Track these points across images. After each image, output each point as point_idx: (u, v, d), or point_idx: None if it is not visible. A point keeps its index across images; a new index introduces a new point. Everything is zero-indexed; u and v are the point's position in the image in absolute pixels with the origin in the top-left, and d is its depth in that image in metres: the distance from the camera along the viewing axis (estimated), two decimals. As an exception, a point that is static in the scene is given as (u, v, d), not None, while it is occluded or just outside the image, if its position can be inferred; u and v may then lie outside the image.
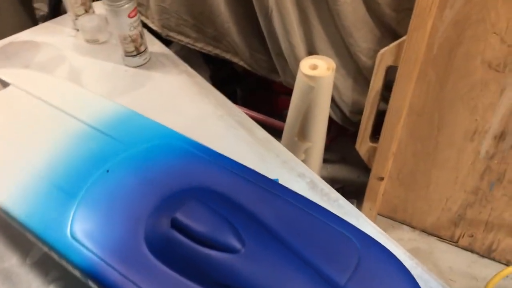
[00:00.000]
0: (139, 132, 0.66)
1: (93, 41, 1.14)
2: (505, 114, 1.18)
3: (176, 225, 0.51)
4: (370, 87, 1.23)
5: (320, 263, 0.50)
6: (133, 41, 1.01)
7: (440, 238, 1.45)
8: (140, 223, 0.55)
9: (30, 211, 0.58)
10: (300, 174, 0.81)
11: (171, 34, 1.47)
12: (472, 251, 1.41)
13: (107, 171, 0.61)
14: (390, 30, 1.21)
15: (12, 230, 0.70)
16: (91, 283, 0.53)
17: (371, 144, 1.34)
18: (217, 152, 0.63)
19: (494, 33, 1.10)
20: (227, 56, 1.46)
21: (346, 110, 1.35)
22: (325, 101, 1.22)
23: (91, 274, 0.52)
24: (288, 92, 1.59)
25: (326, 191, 0.78)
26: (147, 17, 1.52)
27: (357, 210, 0.75)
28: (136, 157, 0.62)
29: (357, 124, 1.37)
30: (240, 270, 0.49)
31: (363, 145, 1.36)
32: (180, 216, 0.51)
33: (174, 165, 0.61)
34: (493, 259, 1.37)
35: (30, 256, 0.70)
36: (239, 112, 0.94)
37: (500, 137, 1.21)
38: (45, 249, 0.58)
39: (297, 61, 1.27)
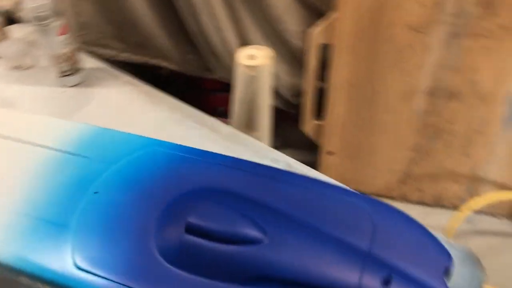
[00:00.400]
0: (115, 147, 0.62)
1: (19, 67, 1.06)
2: (433, 71, 1.25)
3: (192, 229, 0.49)
4: (307, 66, 1.25)
5: (340, 234, 0.51)
6: (68, 59, 0.95)
7: (392, 198, 1.52)
8: (148, 237, 0.52)
9: (22, 253, 0.52)
10: (274, 159, 0.81)
11: (94, 49, 1.40)
12: (423, 204, 1.49)
13: (95, 192, 0.57)
14: (315, 10, 1.24)
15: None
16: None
17: (316, 122, 1.37)
18: (203, 150, 0.61)
19: (412, -2, 1.17)
20: (156, 61, 1.42)
21: (287, 95, 1.37)
22: (267, 89, 1.23)
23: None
24: (220, 89, 1.59)
25: (304, 171, 0.79)
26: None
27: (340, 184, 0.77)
28: (122, 172, 0.59)
29: (298, 107, 1.40)
30: (267, 258, 0.48)
31: (308, 124, 1.39)
32: (194, 220, 0.49)
33: (165, 172, 0.58)
34: (444, 207, 1.46)
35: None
36: (196, 112, 0.92)
37: (432, 93, 1.29)
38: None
39: (231, 56, 1.26)
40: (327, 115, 1.35)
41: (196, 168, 0.58)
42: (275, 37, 1.26)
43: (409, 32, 1.21)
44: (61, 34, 0.92)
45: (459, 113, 1.29)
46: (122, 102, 0.94)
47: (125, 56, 1.43)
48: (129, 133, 0.65)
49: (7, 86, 1.01)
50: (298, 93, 1.37)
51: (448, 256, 0.50)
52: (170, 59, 1.39)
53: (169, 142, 0.62)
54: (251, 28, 1.24)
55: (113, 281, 0.49)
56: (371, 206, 0.54)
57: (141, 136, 0.64)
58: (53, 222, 0.55)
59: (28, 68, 1.06)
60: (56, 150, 0.63)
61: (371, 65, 1.27)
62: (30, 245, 0.53)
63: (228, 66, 1.32)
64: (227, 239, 0.49)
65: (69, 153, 0.62)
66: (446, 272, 0.50)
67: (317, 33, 1.20)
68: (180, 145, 0.62)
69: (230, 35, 1.24)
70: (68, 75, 0.97)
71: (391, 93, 1.30)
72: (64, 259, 0.51)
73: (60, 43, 0.92)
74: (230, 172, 0.57)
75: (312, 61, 1.23)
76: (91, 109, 0.93)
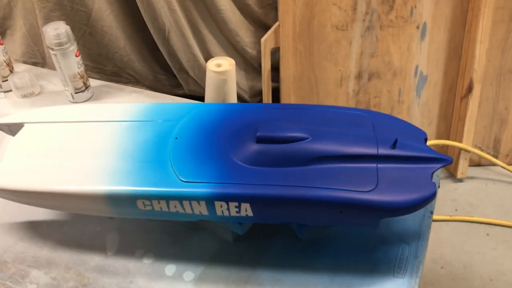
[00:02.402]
0: (173, 111, 0.79)
1: (30, 95, 1.18)
2: (357, 59, 1.53)
3: (261, 139, 0.68)
4: (262, 69, 1.48)
5: (354, 129, 0.72)
6: (82, 77, 1.10)
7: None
8: (227, 153, 0.68)
9: (139, 182, 0.67)
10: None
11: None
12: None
13: (176, 138, 0.74)
14: (261, 23, 1.48)
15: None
16: (217, 207, 0.65)
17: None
18: (243, 103, 0.80)
19: (333, 4, 1.45)
20: (130, 86, 1.57)
21: (246, 96, 1.59)
22: (235, 89, 1.44)
23: (217, 196, 0.65)
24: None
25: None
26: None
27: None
28: (189, 123, 0.76)
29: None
30: (314, 146, 0.68)
31: (267, 118, 1.61)
32: (262, 133, 0.68)
33: (222, 116, 0.76)
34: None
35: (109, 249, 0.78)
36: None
37: (359, 76, 1.57)
38: (157, 207, 0.68)
39: (200, 69, 1.46)
40: (284, 105, 1.58)
41: (244, 112, 0.77)
42: (232, 48, 1.49)
43: (335, 31, 1.49)
44: (77, 55, 1.07)
45: (381, 88, 1.59)
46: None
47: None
48: (177, 103, 0.82)
49: (24, 110, 1.13)
50: (255, 93, 1.59)
51: (424, 132, 0.74)
52: (143, 81, 1.55)
53: (214, 103, 0.81)
54: (212, 43, 1.46)
55: (213, 183, 0.66)
56: (367, 113, 0.76)
57: (188, 103, 0.82)
58: (152, 161, 0.70)
59: (37, 94, 1.18)
60: (130, 121, 0.78)
61: (311, 61, 1.52)
62: (142, 177, 0.68)
63: (197, 79, 1.52)
64: (285, 140, 0.68)
65: (141, 120, 0.78)
66: (425, 141, 0.73)
67: (266, 40, 1.44)
68: (225, 103, 0.81)
69: (197, 51, 1.44)
70: (82, 91, 1.11)
71: (329, 81, 1.56)
72: (171, 180, 0.67)
73: (77, 63, 1.07)
74: (267, 109, 0.78)
75: (266, 63, 1.46)
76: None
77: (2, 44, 1.15)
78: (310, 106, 0.79)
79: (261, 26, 1.47)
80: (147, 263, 0.75)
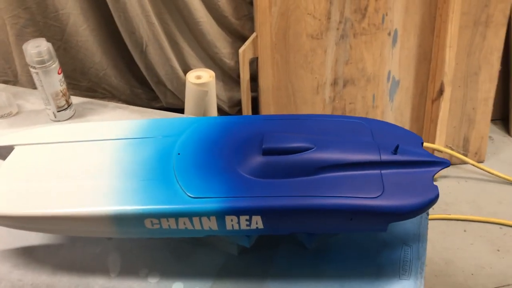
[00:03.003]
0: (173, 126, 0.78)
1: (8, 115, 1.13)
2: (332, 66, 1.56)
3: (268, 151, 0.68)
4: (241, 79, 1.48)
5: (355, 136, 0.74)
6: (64, 95, 1.07)
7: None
8: (234, 166, 0.68)
9: (146, 200, 0.66)
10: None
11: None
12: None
13: (178, 154, 0.73)
14: (238, 34, 1.49)
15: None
16: (227, 222, 0.64)
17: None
18: (241, 116, 0.80)
19: (308, 14, 1.47)
20: (106, 100, 1.54)
21: (226, 107, 1.58)
22: (215, 101, 1.44)
23: (228, 211, 0.64)
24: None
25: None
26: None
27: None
28: (190, 138, 0.75)
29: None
30: (318, 156, 0.68)
31: (246, 128, 1.61)
32: (268, 145, 0.68)
33: (223, 130, 0.76)
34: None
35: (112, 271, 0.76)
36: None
37: (334, 83, 1.60)
38: (165, 225, 0.67)
39: (179, 81, 1.45)
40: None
41: (244, 124, 0.77)
42: (211, 60, 1.48)
43: (311, 40, 1.51)
44: (59, 73, 1.04)
45: (356, 94, 1.62)
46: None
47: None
48: (175, 118, 0.82)
49: (4, 131, 1.09)
50: (234, 104, 1.59)
51: (420, 137, 0.76)
52: (119, 96, 1.53)
53: (213, 117, 0.81)
54: (190, 55, 1.45)
55: (223, 197, 0.66)
56: (364, 121, 0.78)
57: (186, 117, 0.81)
58: (157, 178, 0.69)
59: (15, 114, 1.14)
60: (128, 138, 0.77)
61: (287, 70, 1.54)
62: (149, 195, 0.67)
63: (176, 91, 1.50)
64: (291, 151, 0.68)
65: (139, 138, 0.77)
66: (422, 145, 0.75)
67: (245, 50, 1.44)
68: (223, 116, 0.80)
69: (175, 63, 1.43)
70: (64, 109, 1.08)
71: (306, 89, 1.58)
72: (179, 196, 0.66)
73: (59, 81, 1.04)
74: (267, 121, 0.78)
75: (245, 73, 1.46)
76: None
77: None
78: (309, 116, 0.80)
79: (238, 37, 1.48)
80: (152, 283, 0.73)
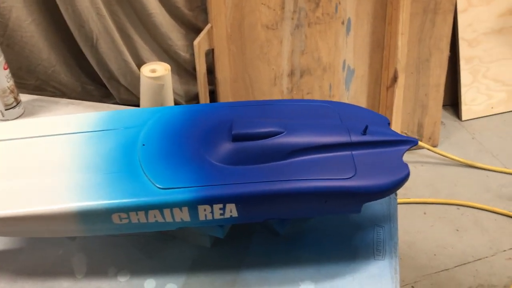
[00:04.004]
0: (134, 117, 0.75)
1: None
2: (289, 57, 1.56)
3: (238, 137, 0.66)
4: (197, 72, 1.45)
5: (323, 119, 0.73)
6: (12, 91, 1.01)
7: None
8: (203, 154, 0.66)
9: (112, 194, 0.62)
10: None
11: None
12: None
13: (143, 145, 0.70)
14: (192, 25, 1.46)
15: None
16: (200, 212, 0.62)
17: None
18: (208, 103, 0.78)
19: (262, 4, 1.46)
20: (56, 98, 1.47)
21: (182, 101, 1.55)
22: (171, 95, 1.40)
23: (201, 200, 0.62)
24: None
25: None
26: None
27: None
28: (154, 128, 0.72)
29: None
30: (290, 140, 0.67)
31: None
32: (237, 131, 0.67)
33: (188, 118, 0.73)
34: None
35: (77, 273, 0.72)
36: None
37: (291, 74, 1.60)
38: (135, 219, 0.64)
39: (133, 75, 1.40)
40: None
41: (209, 112, 0.75)
42: (165, 53, 1.45)
43: (266, 30, 1.50)
44: (5, 68, 0.98)
45: (313, 84, 1.63)
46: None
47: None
48: (136, 108, 0.78)
49: None
50: (191, 98, 1.56)
51: (386, 118, 0.77)
52: (70, 93, 1.46)
53: (176, 106, 0.78)
54: (144, 48, 1.41)
55: (194, 187, 0.63)
56: (331, 104, 0.78)
57: (148, 108, 0.78)
58: (122, 171, 0.66)
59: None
60: (89, 131, 0.73)
61: (244, 61, 1.53)
62: (115, 189, 0.64)
63: (130, 86, 1.46)
64: (261, 136, 0.67)
65: (100, 130, 0.73)
66: (389, 125, 0.76)
67: (200, 42, 1.42)
68: (187, 105, 0.78)
69: (128, 57, 1.38)
70: (13, 107, 1.02)
71: (264, 81, 1.58)
72: (148, 188, 0.64)
73: (5, 77, 0.98)
74: (233, 108, 0.76)
75: (201, 65, 1.44)
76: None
77: None
78: (275, 101, 0.79)
79: (191, 29, 1.45)
80: (123, 281, 0.70)
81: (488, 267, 1.35)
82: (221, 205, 0.63)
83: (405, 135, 1.75)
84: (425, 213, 1.54)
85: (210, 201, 0.63)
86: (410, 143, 0.72)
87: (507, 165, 1.73)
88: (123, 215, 0.63)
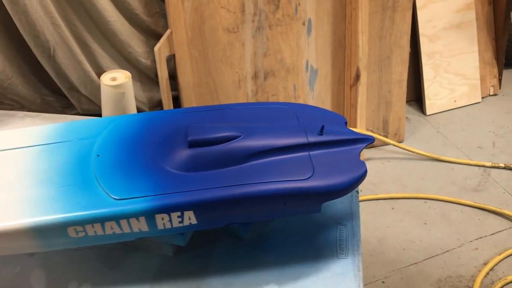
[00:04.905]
0: (89, 127, 0.73)
1: None
2: (252, 59, 1.56)
3: (194, 143, 0.66)
4: (159, 78, 1.44)
5: (280, 121, 0.74)
6: (-36, 107, 0.98)
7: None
8: (157, 162, 0.65)
9: (67, 207, 0.61)
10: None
11: None
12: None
13: (98, 155, 0.69)
14: (151, 31, 1.45)
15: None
16: (158, 221, 0.62)
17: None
18: (161, 111, 0.77)
19: (222, 7, 1.46)
20: (20, 111, 1.44)
21: (146, 108, 1.53)
22: (133, 103, 1.39)
23: (157, 209, 0.61)
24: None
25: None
26: None
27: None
28: (109, 138, 0.71)
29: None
30: (247, 143, 0.67)
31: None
32: (193, 137, 0.66)
33: (143, 126, 0.72)
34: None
35: None
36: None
37: (255, 76, 1.60)
38: (91, 231, 0.62)
39: (93, 85, 1.38)
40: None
41: (164, 119, 0.75)
42: (125, 60, 1.43)
43: (227, 33, 1.50)
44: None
45: (277, 86, 1.64)
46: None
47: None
48: (90, 118, 0.77)
49: None
50: (154, 104, 1.54)
51: (343, 117, 0.78)
52: (29, 106, 1.43)
53: (132, 114, 0.77)
54: (103, 56, 1.39)
55: (150, 196, 0.63)
56: (288, 105, 0.78)
57: (103, 117, 0.77)
58: (77, 183, 0.65)
59: None
60: (43, 144, 0.71)
61: (207, 65, 1.52)
62: (70, 202, 0.63)
63: (91, 96, 1.43)
64: (218, 141, 0.67)
65: (53, 143, 0.72)
66: (346, 124, 0.77)
67: (160, 48, 1.41)
68: (143, 112, 0.77)
69: (87, 66, 1.36)
70: (-35, 123, 0.99)
71: (227, 84, 1.58)
72: (103, 200, 0.63)
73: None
74: (188, 114, 0.76)
75: (163, 71, 1.43)
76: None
77: None
78: (230, 105, 0.79)
79: (151, 35, 1.44)
80: (84, 295, 0.69)
81: (456, 258, 1.38)
82: (179, 213, 0.63)
83: (371, 132, 1.78)
84: (393, 208, 1.56)
85: (167, 209, 0.63)
86: (367, 141, 0.73)
87: (471, 157, 1.77)
88: (79, 228, 0.62)
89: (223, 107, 0.78)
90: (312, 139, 0.70)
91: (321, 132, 0.71)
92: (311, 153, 0.69)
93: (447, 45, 1.94)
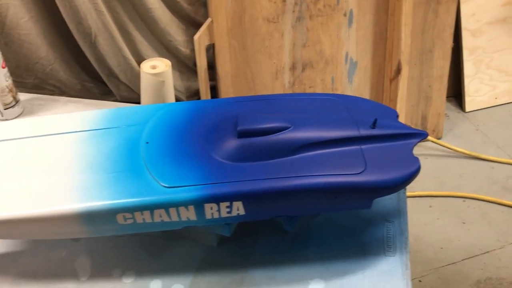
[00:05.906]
0: (137, 114, 0.73)
1: None
2: (290, 50, 1.54)
3: (243, 133, 0.65)
4: (198, 67, 1.43)
5: (331, 114, 0.72)
6: (10, 90, 0.99)
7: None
8: (207, 152, 0.65)
9: (116, 194, 0.61)
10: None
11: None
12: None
13: (147, 143, 0.68)
14: (192, 20, 1.44)
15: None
16: (207, 210, 0.61)
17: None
18: (211, 99, 0.76)
19: (263, -4, 1.45)
20: (63, 97, 1.45)
21: (183, 97, 1.53)
22: (172, 92, 1.39)
23: (207, 198, 0.60)
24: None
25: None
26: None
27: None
28: (158, 125, 0.70)
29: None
30: (297, 135, 0.66)
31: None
32: (243, 127, 0.65)
33: (191, 115, 0.72)
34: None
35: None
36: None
37: (293, 67, 1.58)
38: (140, 219, 0.62)
39: (133, 72, 1.39)
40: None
41: (213, 108, 0.74)
42: (164, 49, 1.43)
43: (267, 24, 1.48)
44: (3, 67, 0.96)
45: (315, 78, 1.61)
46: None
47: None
48: (138, 106, 0.77)
49: None
50: (192, 94, 1.54)
51: (394, 110, 0.75)
52: (69, 92, 1.44)
53: (179, 102, 0.76)
54: (143, 44, 1.39)
55: (200, 185, 0.62)
56: (337, 97, 0.76)
57: (151, 104, 0.76)
58: (126, 170, 0.64)
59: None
60: (90, 130, 0.71)
61: (245, 55, 1.51)
62: (119, 189, 0.62)
63: (130, 83, 1.44)
64: (268, 132, 0.66)
65: (102, 128, 0.72)
66: (397, 117, 0.74)
67: (200, 37, 1.40)
68: (190, 101, 0.76)
69: (127, 53, 1.37)
70: (12, 106, 1.00)
71: (265, 74, 1.56)
72: (153, 187, 0.62)
73: (4, 76, 0.96)
74: (237, 103, 0.75)
75: (202, 60, 1.42)
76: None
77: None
78: (280, 96, 0.77)
79: (191, 24, 1.43)
80: (128, 283, 0.69)
81: (496, 259, 1.34)
82: (228, 203, 0.62)
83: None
84: (430, 206, 1.53)
85: (216, 199, 0.61)
86: (420, 136, 0.70)
87: (512, 156, 1.71)
88: (128, 215, 0.62)
89: (271, 97, 0.77)
90: (364, 132, 0.68)
91: (373, 126, 0.68)
92: (363, 147, 0.67)
93: (490, 40, 1.87)
